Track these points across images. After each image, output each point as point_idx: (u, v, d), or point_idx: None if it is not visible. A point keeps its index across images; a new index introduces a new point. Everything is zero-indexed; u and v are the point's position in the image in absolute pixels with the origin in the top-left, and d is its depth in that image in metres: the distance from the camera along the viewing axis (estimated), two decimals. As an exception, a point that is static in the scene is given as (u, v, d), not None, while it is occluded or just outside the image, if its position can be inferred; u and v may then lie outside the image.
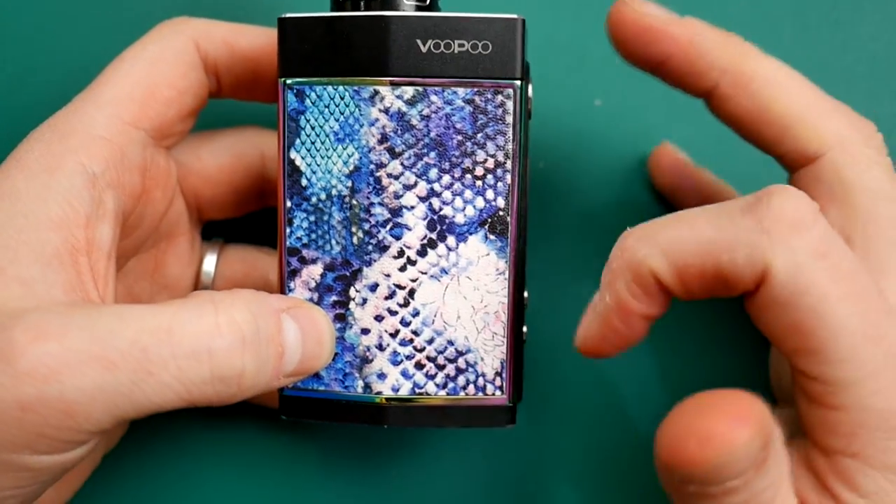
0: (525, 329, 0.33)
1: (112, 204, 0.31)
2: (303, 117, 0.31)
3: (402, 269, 0.31)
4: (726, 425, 0.24)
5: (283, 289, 0.32)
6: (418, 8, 0.32)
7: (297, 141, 0.31)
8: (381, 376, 0.32)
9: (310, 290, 0.32)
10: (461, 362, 0.32)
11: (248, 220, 0.38)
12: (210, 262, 0.37)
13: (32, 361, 0.26)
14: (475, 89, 0.31)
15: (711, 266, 0.27)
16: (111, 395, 0.26)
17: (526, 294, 0.33)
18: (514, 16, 0.31)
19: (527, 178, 0.33)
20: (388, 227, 0.31)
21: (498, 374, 0.32)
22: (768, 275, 0.27)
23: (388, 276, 0.31)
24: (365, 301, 0.31)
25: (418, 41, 0.30)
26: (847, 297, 0.27)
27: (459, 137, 0.31)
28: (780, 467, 0.27)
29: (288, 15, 0.31)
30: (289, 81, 0.31)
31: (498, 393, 0.32)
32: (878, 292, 0.27)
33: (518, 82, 0.31)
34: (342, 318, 0.32)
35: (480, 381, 0.32)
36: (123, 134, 0.31)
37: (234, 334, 0.28)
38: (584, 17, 0.40)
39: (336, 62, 0.31)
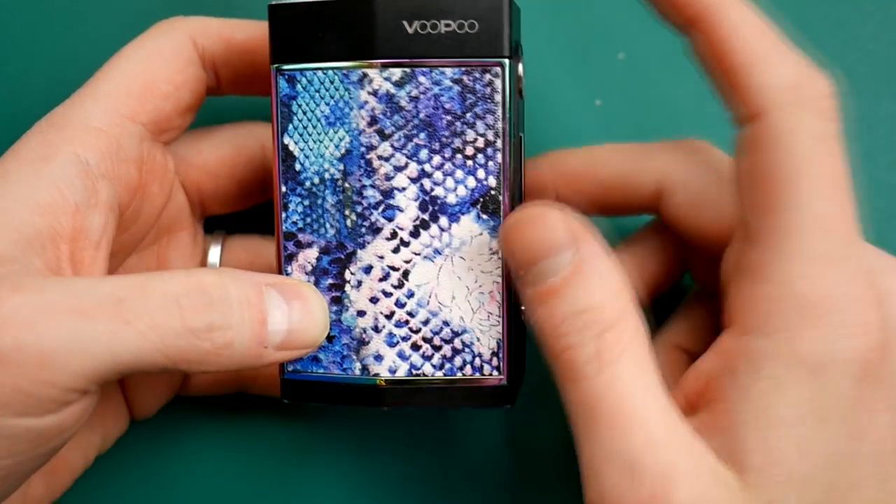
0: (523, 308, 0.33)
1: (106, 194, 0.31)
2: (294, 103, 0.32)
3: (396, 250, 0.31)
4: (538, 210, 0.29)
5: (280, 272, 0.32)
6: None
7: (290, 126, 0.32)
8: (378, 358, 0.32)
9: (306, 273, 0.32)
10: (457, 343, 0.32)
11: (251, 213, 0.38)
12: (215, 254, 0.37)
13: (9, 312, 0.26)
14: (463, 69, 0.31)
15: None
16: (88, 344, 0.27)
17: None
18: None
19: (522, 156, 0.33)
20: (381, 209, 0.31)
21: (494, 353, 0.32)
22: (764, 115, 0.29)
23: (381, 257, 0.31)
24: (360, 283, 0.32)
25: (404, 22, 0.30)
26: (825, 180, 0.28)
27: (448, 117, 0.31)
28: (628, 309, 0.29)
29: (277, 2, 0.32)
30: (280, 67, 0.32)
31: (495, 373, 0.32)
32: (850, 198, 0.29)
33: (506, 60, 0.31)
34: (338, 301, 0.32)
35: (477, 361, 0.32)
36: (120, 126, 0.32)
37: (200, 292, 0.29)
38: (584, 17, 0.39)
39: (325, 47, 0.31)
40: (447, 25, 0.30)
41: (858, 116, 0.38)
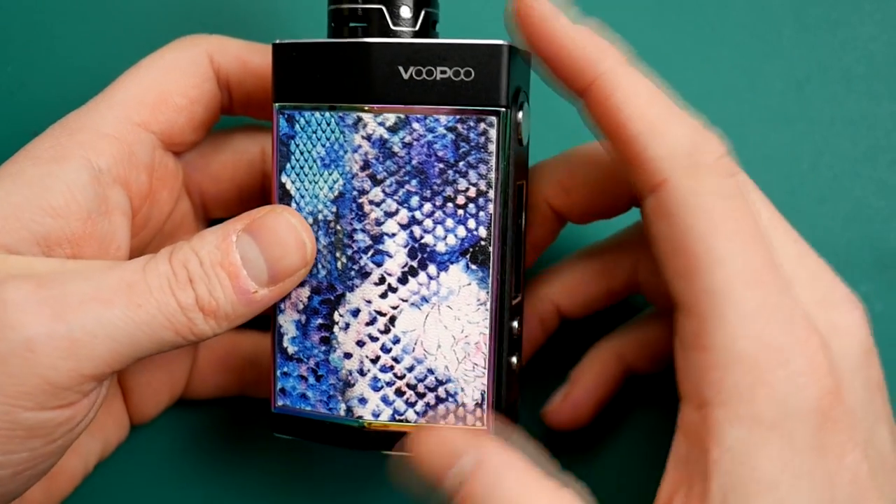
0: (514, 360, 0.32)
1: (117, 200, 0.32)
2: (293, 142, 0.32)
3: (384, 295, 0.31)
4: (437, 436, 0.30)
5: (273, 308, 0.32)
6: (413, 34, 0.32)
7: (288, 165, 0.32)
8: (363, 401, 0.32)
9: (298, 311, 0.32)
10: (441, 391, 0.31)
11: None
12: None
13: (38, 304, 0.28)
14: (458, 116, 0.30)
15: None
16: (110, 329, 0.28)
17: (516, 324, 0.32)
18: (500, 42, 0.30)
19: (524, 203, 0.32)
20: (370, 254, 0.31)
21: (478, 405, 0.31)
22: (666, 184, 0.29)
23: (369, 302, 0.31)
24: (348, 326, 0.32)
25: (400, 68, 0.30)
26: (738, 237, 0.28)
27: (441, 165, 0.31)
28: None
29: (281, 41, 0.32)
30: (280, 106, 0.32)
31: (478, 424, 0.31)
32: (771, 250, 0.28)
33: (502, 110, 0.30)
34: (327, 342, 0.32)
35: (461, 411, 0.31)
36: (132, 133, 0.33)
37: (181, 268, 0.30)
38: (584, 17, 0.38)
39: (323, 88, 0.31)
40: (443, 72, 0.30)
41: (858, 116, 0.39)
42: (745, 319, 0.28)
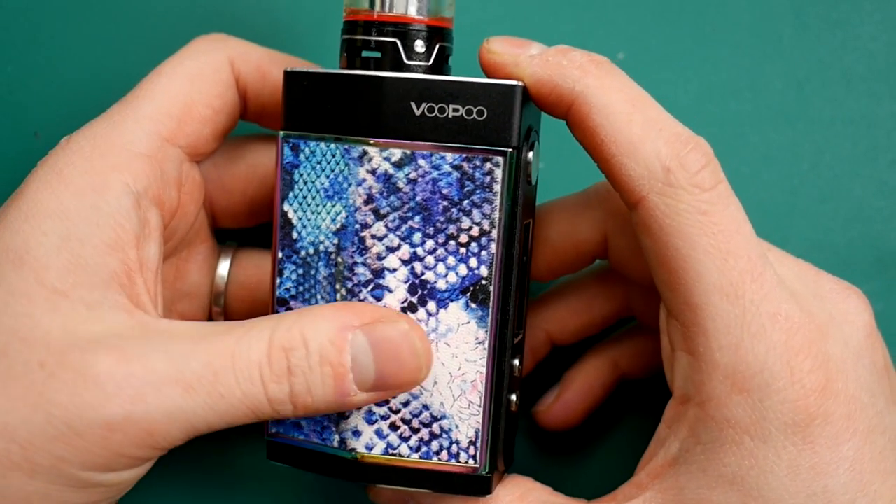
0: (514, 398, 0.32)
1: (155, 221, 0.32)
2: (297, 171, 0.32)
3: (382, 330, 0.31)
4: None
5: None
6: (426, 70, 0.31)
7: (291, 194, 0.32)
8: (357, 433, 0.32)
9: None
10: (436, 427, 0.31)
11: (260, 227, 0.38)
12: (224, 267, 0.37)
13: (119, 383, 0.27)
14: (464, 155, 0.30)
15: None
16: (189, 415, 0.28)
17: (517, 362, 0.32)
18: (514, 82, 0.30)
19: (530, 242, 0.32)
20: (370, 288, 0.31)
21: (472, 443, 0.31)
22: (644, 201, 0.29)
23: None
24: (345, 358, 0.31)
25: (412, 103, 0.30)
26: (714, 251, 0.29)
27: (445, 203, 0.30)
28: None
29: (292, 69, 0.31)
30: (286, 134, 0.32)
31: (471, 462, 0.31)
32: (755, 258, 0.29)
33: (510, 150, 0.30)
34: None
35: (454, 448, 0.31)
36: (161, 150, 0.32)
37: (279, 359, 0.29)
38: (584, 17, 0.39)
39: (331, 119, 0.31)
40: (455, 110, 0.30)
41: (858, 116, 0.39)
42: (723, 331, 0.29)
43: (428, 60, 0.31)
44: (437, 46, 0.31)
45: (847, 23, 0.39)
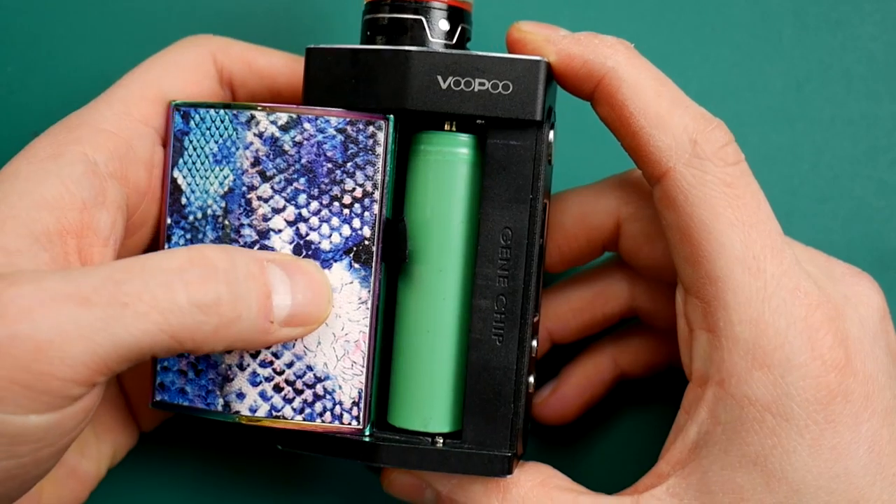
0: (532, 380, 0.32)
1: (114, 194, 0.31)
2: (187, 138, 0.32)
3: (267, 290, 0.32)
4: None
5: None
6: (446, 46, 0.32)
7: (181, 160, 0.33)
8: (241, 395, 0.32)
9: None
10: (319, 388, 0.32)
11: None
12: None
13: (5, 304, 0.25)
14: (347, 119, 0.31)
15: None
16: (87, 330, 0.26)
17: (535, 343, 0.32)
18: (539, 58, 0.31)
19: (545, 222, 0.33)
20: (256, 249, 0.32)
21: (355, 403, 0.32)
22: (670, 173, 0.30)
23: None
24: (230, 320, 0.32)
25: (439, 77, 0.31)
26: (739, 223, 0.30)
27: (329, 165, 0.31)
28: None
29: (315, 45, 0.32)
30: (176, 104, 0.32)
31: (355, 423, 0.32)
32: (775, 235, 0.30)
33: (391, 117, 0.31)
34: None
35: (337, 409, 0.32)
36: (131, 129, 0.32)
37: (206, 264, 0.28)
38: (584, 17, 0.40)
39: (359, 93, 0.31)
40: (481, 84, 0.31)
41: (858, 116, 0.39)
42: (745, 305, 0.29)
43: (451, 39, 0.33)
44: (459, 27, 0.33)
45: (847, 23, 0.39)
